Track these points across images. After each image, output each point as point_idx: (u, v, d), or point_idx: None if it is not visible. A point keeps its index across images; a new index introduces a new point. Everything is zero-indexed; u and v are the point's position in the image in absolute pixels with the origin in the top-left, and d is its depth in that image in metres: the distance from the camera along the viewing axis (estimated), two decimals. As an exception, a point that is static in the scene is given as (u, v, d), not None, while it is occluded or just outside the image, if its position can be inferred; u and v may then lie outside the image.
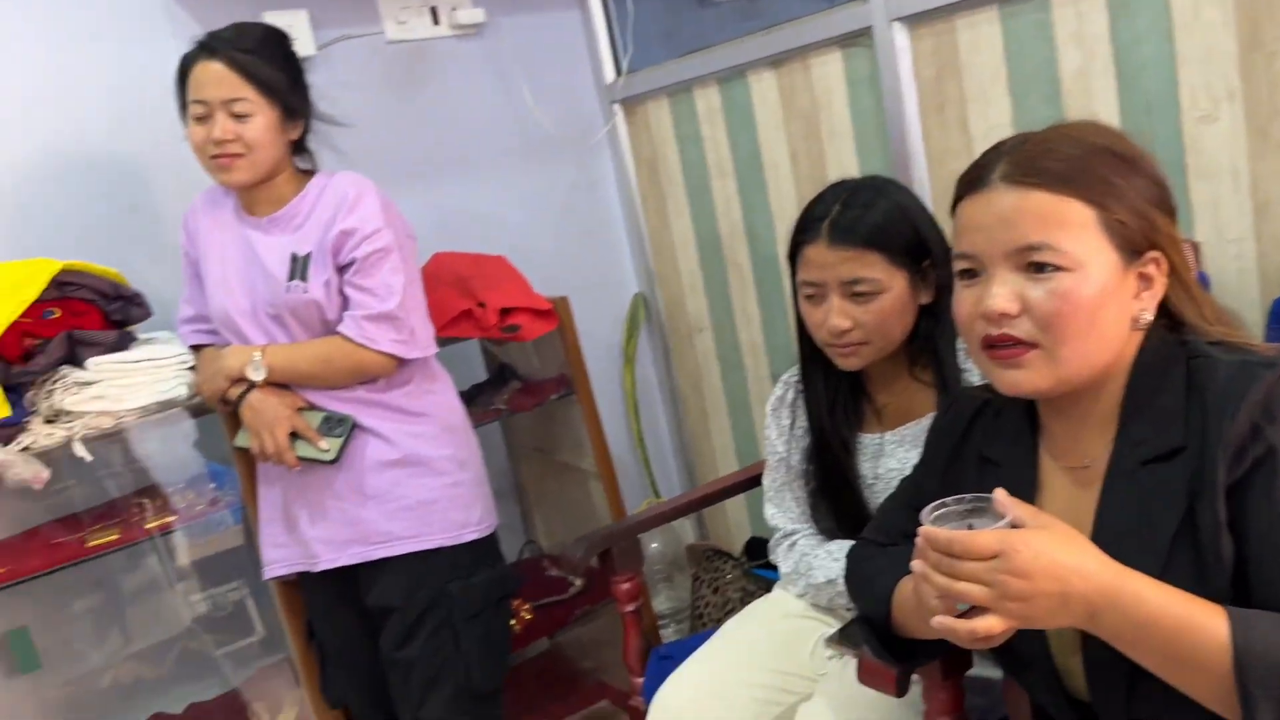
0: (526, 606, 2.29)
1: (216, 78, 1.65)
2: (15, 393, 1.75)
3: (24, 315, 1.74)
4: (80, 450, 1.73)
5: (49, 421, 1.75)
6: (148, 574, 2.22)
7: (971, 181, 1.02)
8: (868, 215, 1.44)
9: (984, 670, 1.35)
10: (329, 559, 1.75)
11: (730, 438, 2.66)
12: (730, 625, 1.71)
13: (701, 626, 2.40)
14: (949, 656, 1.19)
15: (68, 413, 1.76)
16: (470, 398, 2.31)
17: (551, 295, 2.25)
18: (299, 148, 1.79)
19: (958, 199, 1.04)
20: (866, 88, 1.98)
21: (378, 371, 1.72)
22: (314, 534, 1.75)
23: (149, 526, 1.85)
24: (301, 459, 1.70)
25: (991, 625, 0.90)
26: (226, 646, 2.24)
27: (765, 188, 2.28)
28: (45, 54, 2.03)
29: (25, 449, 1.70)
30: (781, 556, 1.64)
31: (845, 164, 2.08)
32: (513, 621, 2.22)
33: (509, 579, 1.88)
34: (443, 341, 2.06)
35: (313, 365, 1.71)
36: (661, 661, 1.79)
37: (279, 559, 1.80)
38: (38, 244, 1.96)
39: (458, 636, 1.75)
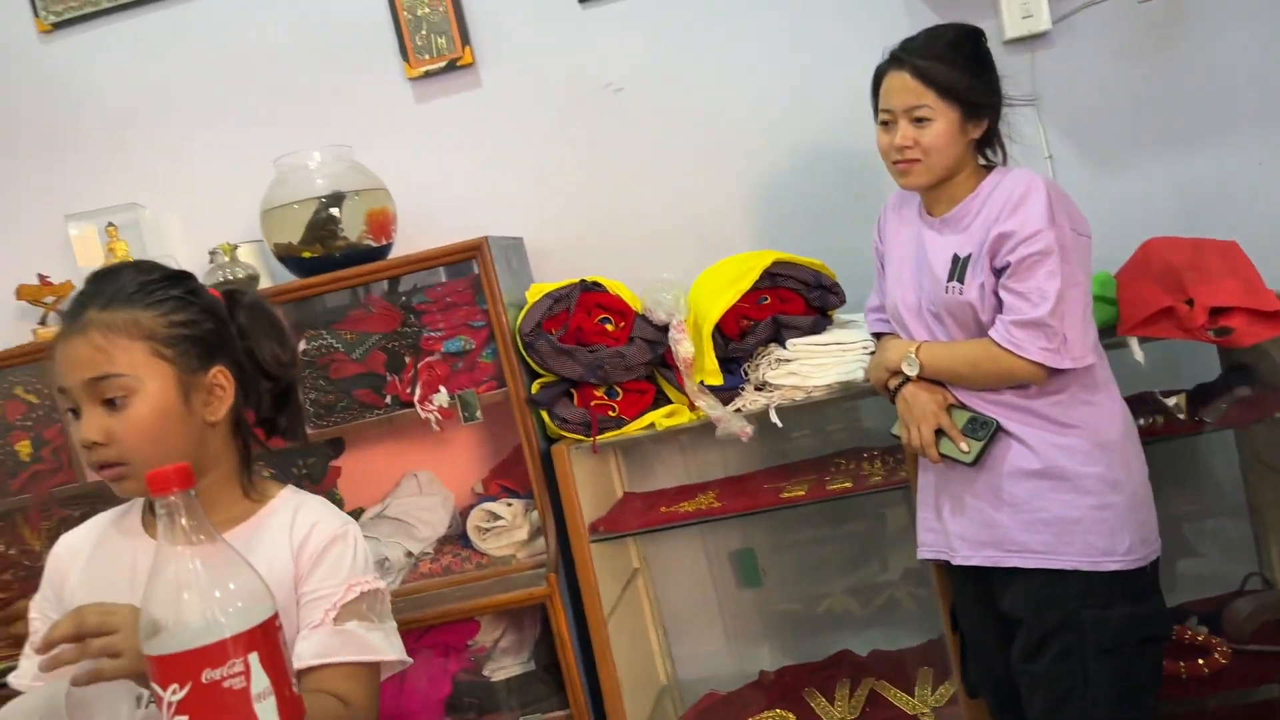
0: (1225, 649, 1.97)
1: (900, 87, 1.74)
2: (734, 363, 2.13)
3: (742, 300, 2.09)
4: (774, 416, 2.04)
5: (758, 390, 2.10)
6: (867, 520, 2.50)
7: None
8: None
9: None
10: (964, 555, 1.77)
11: None
12: None
13: None
14: None
15: (770, 384, 2.08)
16: (1194, 400, 2.04)
17: (1298, 290, 1.86)
18: (985, 142, 1.79)
19: None
20: None
21: (1024, 378, 1.67)
22: (954, 527, 1.79)
23: (831, 488, 2.09)
24: (943, 455, 1.75)
25: None
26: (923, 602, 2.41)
27: None
28: (790, 67, 2.34)
29: (738, 410, 2.07)
30: None
31: None
32: (1201, 661, 1.96)
33: (1158, 621, 1.66)
34: (1110, 342, 1.89)
35: (961, 366, 1.73)
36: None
37: (928, 543, 1.88)
38: (779, 235, 2.31)
39: (1086, 668, 1.63)
